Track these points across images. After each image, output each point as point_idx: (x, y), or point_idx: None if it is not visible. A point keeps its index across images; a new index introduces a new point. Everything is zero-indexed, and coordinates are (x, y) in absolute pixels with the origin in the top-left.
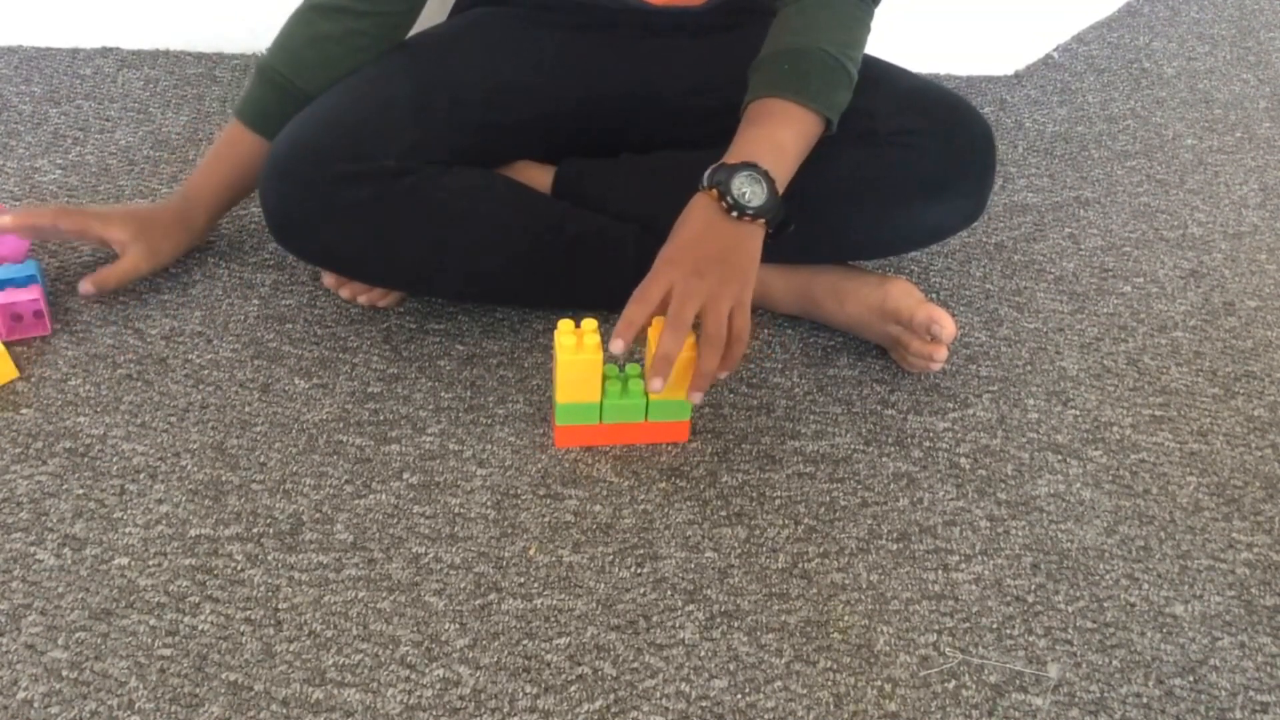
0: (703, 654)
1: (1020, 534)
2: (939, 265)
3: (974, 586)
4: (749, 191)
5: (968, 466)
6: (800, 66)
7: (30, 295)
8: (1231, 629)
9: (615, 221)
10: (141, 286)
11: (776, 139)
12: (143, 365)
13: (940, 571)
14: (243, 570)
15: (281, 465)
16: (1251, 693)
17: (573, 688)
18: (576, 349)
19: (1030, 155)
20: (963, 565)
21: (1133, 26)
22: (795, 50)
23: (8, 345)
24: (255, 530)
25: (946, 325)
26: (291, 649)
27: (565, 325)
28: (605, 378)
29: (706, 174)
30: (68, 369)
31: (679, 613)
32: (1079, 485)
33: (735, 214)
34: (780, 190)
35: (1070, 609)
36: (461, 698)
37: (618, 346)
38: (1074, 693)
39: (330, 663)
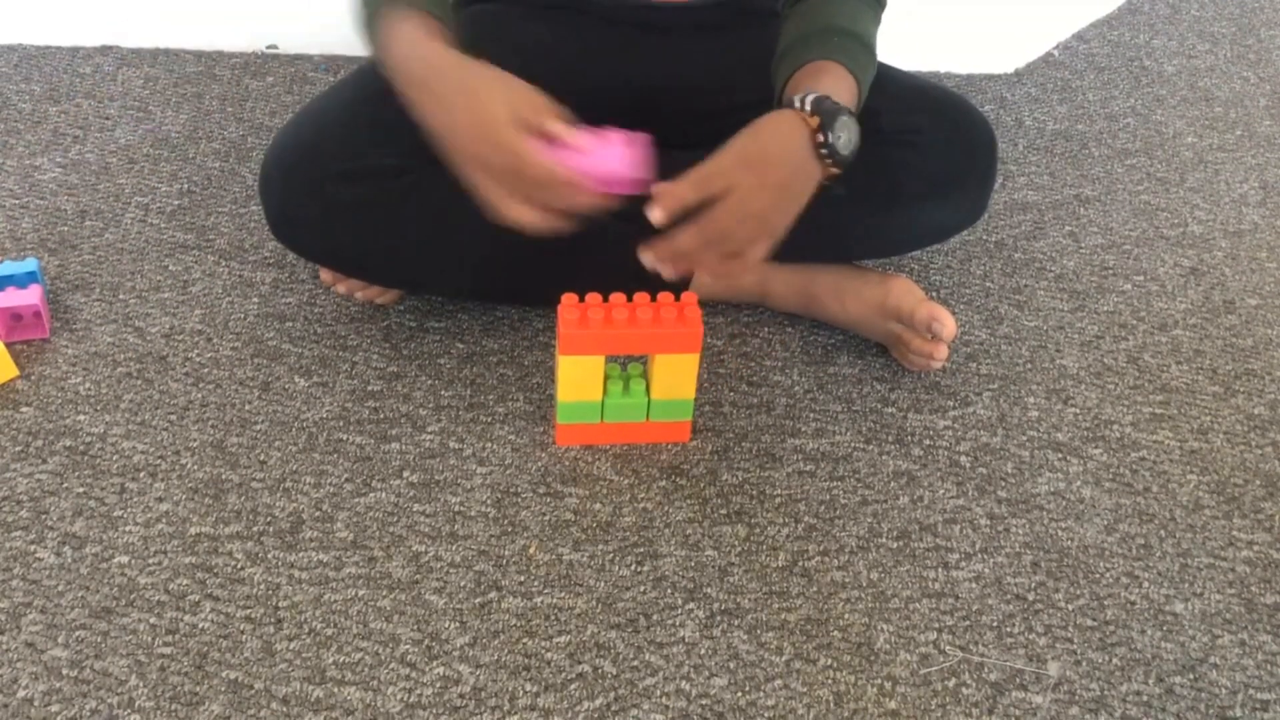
0: (703, 652)
1: (1020, 532)
2: (939, 263)
3: (974, 584)
4: (845, 137)
5: (968, 464)
6: (849, 44)
7: (30, 297)
8: (1232, 627)
9: (616, 220)
10: (141, 285)
11: (841, 98)
12: (143, 364)
13: (940, 569)
14: (243, 568)
15: (281, 464)
16: (1252, 691)
17: (573, 686)
18: None
19: (1030, 153)
20: (963, 563)
21: (1133, 24)
22: (844, 30)
23: (7, 344)
24: (255, 529)
25: (947, 323)
26: (292, 647)
27: None
28: (607, 377)
29: (810, 98)
30: (68, 367)
31: (679, 611)
32: (1079, 483)
33: (825, 152)
34: None
35: (1070, 607)
36: (462, 696)
37: (657, 215)
38: (1074, 691)
39: (330, 661)
